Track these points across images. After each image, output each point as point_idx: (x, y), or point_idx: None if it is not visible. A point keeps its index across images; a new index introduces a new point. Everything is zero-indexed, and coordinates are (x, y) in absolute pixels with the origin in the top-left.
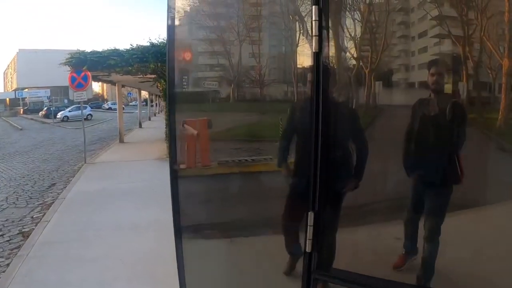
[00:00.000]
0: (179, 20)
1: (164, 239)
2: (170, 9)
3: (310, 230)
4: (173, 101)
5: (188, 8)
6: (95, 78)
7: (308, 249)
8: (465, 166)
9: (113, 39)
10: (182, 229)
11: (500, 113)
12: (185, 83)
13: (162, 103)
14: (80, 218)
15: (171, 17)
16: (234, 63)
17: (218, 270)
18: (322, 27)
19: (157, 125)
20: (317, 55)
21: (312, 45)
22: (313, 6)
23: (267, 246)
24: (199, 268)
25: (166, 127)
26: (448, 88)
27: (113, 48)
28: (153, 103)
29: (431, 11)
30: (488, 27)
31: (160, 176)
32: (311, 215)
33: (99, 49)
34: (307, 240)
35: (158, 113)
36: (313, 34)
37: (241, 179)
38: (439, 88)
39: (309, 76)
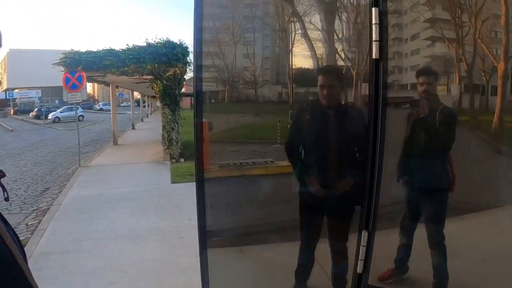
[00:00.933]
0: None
1: (167, 248)
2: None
3: (362, 250)
4: (200, 101)
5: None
6: (89, 79)
7: (359, 270)
8: (462, 170)
9: (108, 39)
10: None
11: (496, 115)
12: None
13: (158, 104)
14: (77, 227)
15: (199, 17)
16: (229, 64)
17: (230, 278)
18: (383, 31)
19: (150, 126)
20: (377, 62)
21: (372, 51)
22: (373, 8)
23: (277, 254)
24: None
25: (162, 130)
26: (441, 92)
27: (109, 48)
28: (145, 104)
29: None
30: (482, 30)
31: (157, 180)
32: (364, 235)
33: (94, 49)
34: (359, 261)
35: (151, 114)
36: (374, 39)
37: (243, 183)
38: (428, 95)
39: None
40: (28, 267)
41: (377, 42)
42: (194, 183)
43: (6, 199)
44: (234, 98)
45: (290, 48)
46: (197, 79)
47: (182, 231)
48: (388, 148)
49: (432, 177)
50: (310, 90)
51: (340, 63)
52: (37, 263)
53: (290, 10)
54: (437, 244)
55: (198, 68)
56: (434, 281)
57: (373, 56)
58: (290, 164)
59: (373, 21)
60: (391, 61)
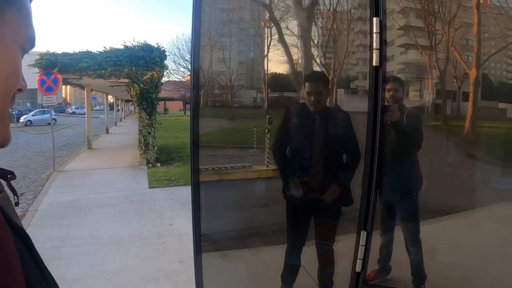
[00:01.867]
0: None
1: (150, 254)
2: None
3: (361, 250)
4: (196, 106)
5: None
6: (65, 82)
7: (358, 269)
8: (437, 173)
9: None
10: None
11: (467, 120)
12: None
13: (131, 108)
14: (56, 233)
15: (197, 20)
16: (204, 69)
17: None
18: (383, 41)
19: (125, 131)
20: (377, 70)
21: (372, 59)
22: (374, 18)
23: (261, 258)
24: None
25: (139, 134)
26: (412, 97)
27: (86, 50)
28: (119, 108)
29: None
30: (455, 38)
31: (135, 185)
32: (363, 235)
33: (71, 51)
34: (358, 260)
35: (124, 118)
36: (374, 47)
37: (223, 187)
38: (394, 101)
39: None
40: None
41: (378, 50)
42: (172, 188)
43: (16, 203)
44: (209, 103)
45: (266, 53)
46: (194, 84)
47: (164, 236)
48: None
49: (405, 179)
50: (285, 95)
51: (316, 68)
52: None
53: (267, 15)
54: (415, 241)
55: (196, 74)
56: (412, 278)
57: (374, 64)
58: (269, 168)
59: (374, 30)
60: (365, 67)
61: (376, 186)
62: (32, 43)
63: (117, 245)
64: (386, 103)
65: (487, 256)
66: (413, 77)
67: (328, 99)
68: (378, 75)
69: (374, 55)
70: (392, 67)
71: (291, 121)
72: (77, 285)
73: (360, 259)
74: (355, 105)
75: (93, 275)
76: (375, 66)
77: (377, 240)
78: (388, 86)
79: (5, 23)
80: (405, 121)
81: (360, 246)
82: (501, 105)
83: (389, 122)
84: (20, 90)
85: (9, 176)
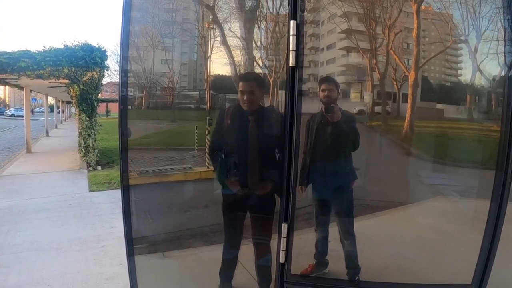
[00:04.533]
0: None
1: (90, 258)
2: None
3: (283, 242)
4: (125, 107)
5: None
6: (2, 82)
7: (281, 260)
8: (376, 170)
9: (23, 40)
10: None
11: (406, 120)
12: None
13: (73, 110)
14: None
15: (127, 20)
16: (146, 69)
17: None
18: (300, 42)
19: (65, 133)
20: (293, 70)
21: (289, 59)
22: (291, 21)
23: (200, 257)
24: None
25: (79, 136)
26: (353, 97)
27: (25, 50)
28: (59, 109)
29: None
30: (395, 42)
31: (74, 189)
32: (284, 227)
33: (9, 50)
34: (281, 251)
35: (65, 120)
36: (291, 48)
37: (163, 189)
38: (329, 101)
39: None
40: None
41: (294, 51)
42: (112, 191)
43: None
44: (151, 104)
45: (209, 54)
46: (123, 84)
47: (104, 239)
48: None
49: (341, 174)
50: (228, 96)
51: (258, 70)
52: None
53: (210, 17)
54: (349, 234)
55: (124, 73)
56: (347, 271)
57: (290, 64)
58: (209, 169)
59: (291, 32)
60: (307, 69)
61: (294, 179)
62: None
63: (56, 250)
64: (322, 103)
65: (420, 247)
66: (354, 79)
67: (261, 99)
68: (294, 75)
69: (291, 56)
70: (333, 69)
71: (225, 122)
72: None
73: (283, 250)
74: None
75: (33, 282)
76: (292, 67)
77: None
78: (323, 87)
79: None
80: (341, 120)
81: (282, 238)
82: (439, 106)
83: (327, 122)
84: None
85: None
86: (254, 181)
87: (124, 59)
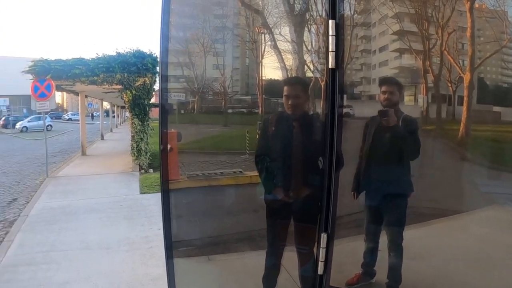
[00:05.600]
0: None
1: (137, 258)
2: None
3: (322, 252)
4: (165, 112)
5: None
6: (58, 88)
7: (320, 271)
8: (429, 176)
9: (78, 48)
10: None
11: (462, 124)
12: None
13: (127, 115)
14: (46, 238)
15: (165, 26)
16: (198, 75)
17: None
18: (339, 42)
19: (120, 137)
20: (334, 72)
21: (329, 61)
22: (330, 21)
23: (246, 262)
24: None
25: (131, 140)
26: (407, 101)
27: (79, 57)
28: (114, 114)
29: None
30: (449, 42)
31: (126, 191)
32: (324, 237)
33: (64, 58)
34: (319, 262)
35: (120, 124)
36: (330, 49)
37: (212, 193)
38: (390, 104)
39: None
40: None
41: (333, 52)
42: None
43: None
44: (203, 109)
45: (260, 59)
46: (163, 89)
47: (152, 241)
48: (347, 155)
49: (396, 184)
50: (280, 101)
51: (309, 74)
52: (3, 275)
53: (260, 21)
54: (396, 246)
55: (164, 79)
56: (387, 281)
57: (330, 66)
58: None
59: (330, 32)
60: (359, 72)
61: (335, 188)
62: None
63: (105, 249)
64: (383, 107)
65: (472, 259)
66: (407, 81)
67: (307, 103)
68: (334, 77)
69: (330, 57)
70: (386, 72)
71: (270, 127)
72: None
73: (322, 261)
74: (354, 110)
75: (80, 279)
76: (332, 68)
77: (353, 246)
78: (383, 88)
79: None
80: (401, 126)
81: (321, 249)
82: (496, 109)
83: (384, 126)
84: None
85: None
86: (297, 188)
87: (164, 64)
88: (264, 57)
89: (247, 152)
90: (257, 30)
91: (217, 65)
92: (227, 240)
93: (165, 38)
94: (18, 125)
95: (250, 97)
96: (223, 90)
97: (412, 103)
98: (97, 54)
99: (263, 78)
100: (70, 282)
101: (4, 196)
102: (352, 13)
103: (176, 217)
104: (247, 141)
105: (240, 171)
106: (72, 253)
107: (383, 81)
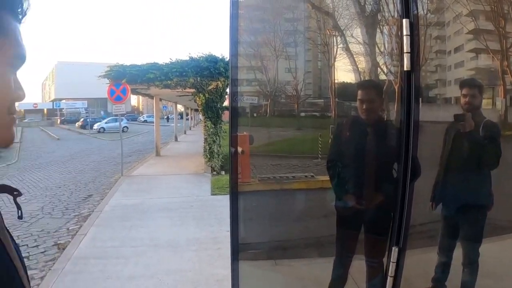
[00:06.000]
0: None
1: (204, 258)
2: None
3: (392, 267)
4: (235, 115)
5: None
6: (134, 91)
7: (388, 287)
8: (507, 186)
9: (151, 53)
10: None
11: None
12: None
13: (200, 117)
14: (117, 234)
15: (234, 30)
16: (270, 78)
17: None
18: (414, 43)
19: (193, 139)
20: (409, 74)
21: (404, 63)
22: (404, 20)
23: (313, 268)
24: None
25: (204, 142)
26: (485, 104)
27: (152, 62)
28: (188, 116)
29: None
30: None
31: (197, 192)
32: (395, 251)
33: (138, 63)
34: (388, 277)
35: (193, 126)
36: (405, 50)
37: (283, 197)
38: (471, 108)
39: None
40: (29, 283)
41: (408, 54)
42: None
43: (20, 217)
44: (276, 112)
45: (332, 62)
46: (233, 93)
47: (220, 242)
48: (423, 163)
49: (475, 195)
50: (353, 104)
51: (382, 77)
52: (75, 266)
53: (331, 24)
54: (471, 262)
55: (234, 82)
56: None
57: (405, 68)
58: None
59: (404, 32)
60: (434, 74)
61: (408, 199)
62: (21, 60)
63: (173, 248)
64: (463, 111)
65: None
66: (485, 83)
67: (382, 108)
68: (410, 80)
69: (405, 59)
70: (462, 73)
71: (343, 132)
72: (131, 283)
73: (391, 276)
74: (428, 114)
75: (146, 275)
76: (407, 71)
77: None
78: (464, 91)
79: None
80: (481, 132)
81: (391, 263)
82: None
83: (462, 132)
84: (19, 98)
85: (15, 193)
86: (369, 197)
87: (234, 68)
88: (336, 59)
89: (319, 156)
90: (328, 33)
91: (289, 68)
92: (295, 245)
93: (234, 42)
94: (95, 126)
95: (322, 100)
96: (295, 93)
97: (490, 107)
98: (170, 59)
99: (336, 81)
100: (137, 277)
101: (80, 193)
102: (425, 12)
103: (244, 220)
104: (320, 145)
105: (312, 175)
106: (141, 250)
107: (464, 83)
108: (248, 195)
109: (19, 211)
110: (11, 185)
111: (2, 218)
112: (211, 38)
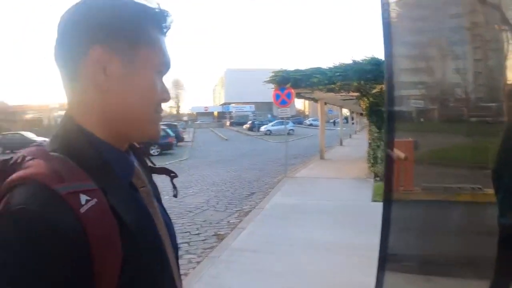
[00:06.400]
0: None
1: (356, 265)
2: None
3: None
4: (391, 120)
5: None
6: (298, 95)
7: None
8: None
9: (315, 58)
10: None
11: None
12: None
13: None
14: (274, 231)
15: (387, 34)
16: (437, 80)
17: None
18: None
19: (358, 143)
20: None
21: None
22: None
23: None
24: None
25: (368, 147)
26: None
27: (316, 67)
28: (354, 121)
29: None
30: None
31: (356, 197)
32: None
33: (302, 68)
34: None
35: (359, 131)
36: None
37: (442, 208)
38: None
39: None
40: (178, 264)
41: None
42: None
43: (175, 195)
44: (443, 117)
45: (504, 61)
46: (389, 98)
47: (375, 250)
48: None
49: None
50: None
51: None
52: (231, 256)
53: (499, 17)
54: None
55: (391, 86)
56: None
57: None
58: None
59: None
60: None
61: None
62: (167, 67)
63: (326, 250)
64: None
65: None
66: None
67: None
68: None
69: None
70: None
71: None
72: (276, 278)
73: None
74: None
75: (295, 273)
76: None
77: None
78: None
79: (139, 56)
80: None
81: None
82: None
83: None
84: (164, 100)
85: (171, 174)
86: None
87: (389, 71)
88: (509, 58)
89: (489, 166)
90: (497, 28)
91: (457, 69)
92: (449, 262)
93: (388, 44)
94: (262, 129)
95: (495, 104)
96: (464, 97)
97: None
98: (333, 63)
99: (509, 82)
100: (285, 274)
101: (243, 190)
102: None
103: (399, 229)
104: (490, 154)
105: (479, 188)
106: (294, 248)
107: None
108: (410, 204)
109: (175, 190)
110: (181, 178)
111: (159, 193)
112: (374, 41)
